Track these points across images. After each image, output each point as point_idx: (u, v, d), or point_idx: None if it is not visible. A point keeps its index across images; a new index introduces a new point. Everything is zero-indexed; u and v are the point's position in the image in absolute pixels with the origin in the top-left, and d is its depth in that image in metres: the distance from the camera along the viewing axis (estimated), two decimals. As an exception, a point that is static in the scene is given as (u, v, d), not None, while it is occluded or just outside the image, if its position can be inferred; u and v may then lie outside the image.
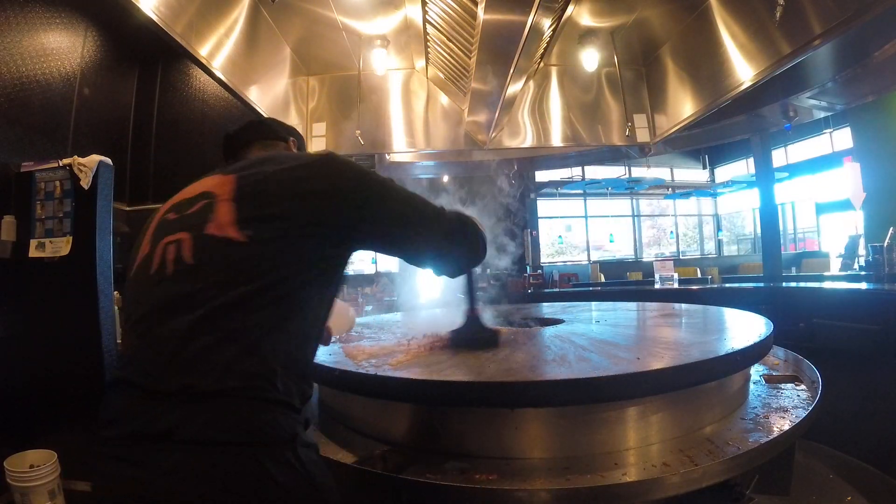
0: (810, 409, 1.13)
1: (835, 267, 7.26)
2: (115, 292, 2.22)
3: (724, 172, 11.68)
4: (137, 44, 3.42)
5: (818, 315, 2.52)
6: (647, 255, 12.02)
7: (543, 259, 10.97)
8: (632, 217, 12.45)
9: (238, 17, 2.75)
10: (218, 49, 2.58)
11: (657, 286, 4.05)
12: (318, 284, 0.84)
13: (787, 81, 3.07)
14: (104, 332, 2.12)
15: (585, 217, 11.94)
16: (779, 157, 9.34)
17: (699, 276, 7.78)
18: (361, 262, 6.58)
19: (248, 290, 0.76)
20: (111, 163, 2.27)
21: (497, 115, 3.41)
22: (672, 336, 1.43)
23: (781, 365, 1.58)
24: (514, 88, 3.11)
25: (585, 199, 11.83)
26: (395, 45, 3.63)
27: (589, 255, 11.89)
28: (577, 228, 12.16)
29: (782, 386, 1.35)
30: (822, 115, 4.10)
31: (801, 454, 1.77)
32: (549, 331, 1.52)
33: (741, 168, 10.94)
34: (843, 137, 7.98)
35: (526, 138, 4.06)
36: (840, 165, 7.23)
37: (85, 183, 2.18)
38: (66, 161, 2.19)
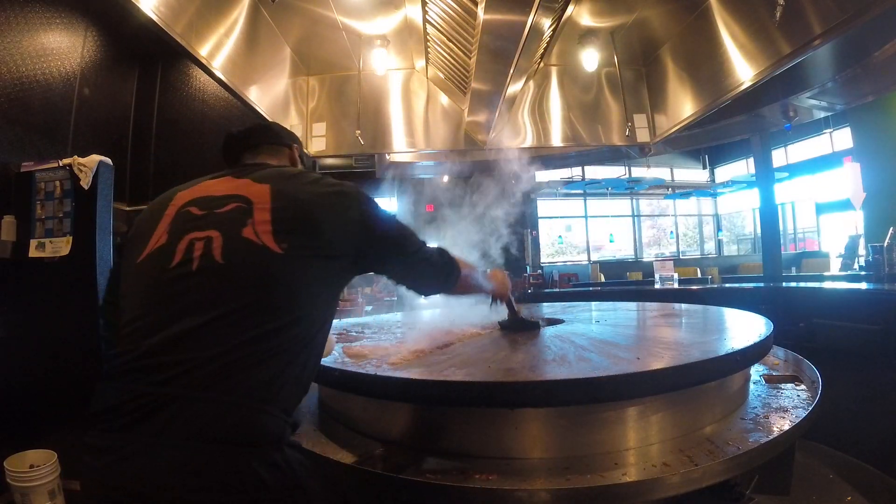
0: (810, 409, 1.13)
1: (835, 267, 7.26)
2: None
3: (724, 172, 11.68)
4: (137, 44, 3.42)
5: (818, 315, 2.51)
6: (647, 255, 12.03)
7: (543, 259, 10.98)
8: (632, 217, 12.45)
9: (238, 17, 2.75)
10: (218, 49, 2.58)
11: (657, 286, 4.04)
12: (330, 301, 0.92)
13: (787, 81, 3.07)
14: (104, 332, 2.11)
15: (585, 217, 11.94)
16: (779, 157, 9.34)
17: (699, 276, 7.79)
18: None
19: (273, 299, 0.79)
20: (111, 163, 2.27)
21: (497, 115, 3.41)
22: (672, 336, 1.43)
23: (781, 365, 1.58)
24: (514, 88, 3.12)
25: (585, 199, 11.84)
26: (395, 45, 3.63)
27: (589, 255, 11.89)
28: (577, 228, 12.16)
29: (782, 386, 1.35)
30: (822, 115, 4.10)
31: (801, 454, 1.76)
32: (549, 331, 1.52)
33: (741, 168, 10.94)
34: (843, 137, 7.98)
35: (526, 138, 4.06)
36: (840, 165, 7.23)
37: (85, 183, 2.17)
38: (66, 161, 2.19)
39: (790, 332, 2.45)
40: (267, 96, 3.25)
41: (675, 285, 4.02)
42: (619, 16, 3.34)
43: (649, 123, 4.01)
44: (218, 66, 2.57)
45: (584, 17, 3.32)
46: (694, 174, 12.08)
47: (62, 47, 2.92)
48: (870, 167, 5.92)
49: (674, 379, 0.98)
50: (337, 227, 0.90)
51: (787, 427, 1.05)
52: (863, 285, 2.98)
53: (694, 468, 0.88)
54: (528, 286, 4.77)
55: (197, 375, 0.72)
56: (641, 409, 1.01)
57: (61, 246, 2.17)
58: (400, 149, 4.15)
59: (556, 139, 4.08)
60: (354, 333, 1.69)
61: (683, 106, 3.54)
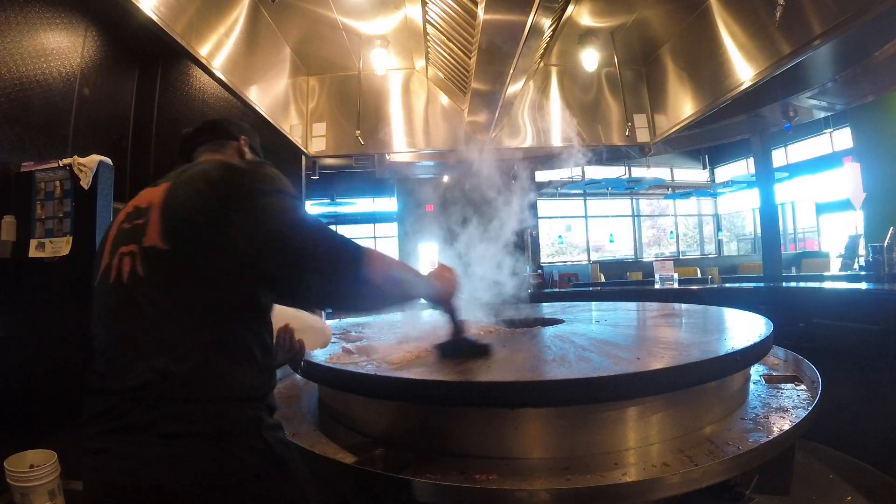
0: (810, 409, 1.13)
1: (835, 267, 7.27)
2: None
3: (724, 172, 11.68)
4: (137, 44, 3.42)
5: (818, 315, 2.51)
6: (647, 255, 12.03)
7: (543, 259, 10.98)
8: (632, 217, 12.46)
9: (238, 17, 2.75)
10: (218, 49, 2.57)
11: (657, 286, 4.04)
12: (248, 283, 0.84)
13: (787, 81, 3.06)
14: (104, 332, 2.11)
15: (585, 217, 11.95)
16: (779, 157, 9.35)
17: (699, 276, 7.78)
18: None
19: (186, 297, 0.81)
20: (111, 163, 2.27)
21: (497, 115, 3.41)
22: (672, 336, 1.43)
23: (781, 365, 1.58)
24: (514, 88, 3.11)
25: (585, 199, 11.84)
26: (395, 45, 3.63)
27: (589, 255, 11.90)
28: (577, 228, 12.17)
29: (782, 386, 1.35)
30: (822, 115, 4.09)
31: (801, 454, 1.76)
32: (549, 331, 1.52)
33: (741, 168, 10.95)
34: (843, 137, 7.98)
35: (526, 138, 4.06)
36: (840, 165, 7.23)
37: (85, 183, 2.18)
38: (66, 161, 2.19)
39: (790, 332, 2.45)
40: (267, 96, 3.25)
41: (675, 285, 4.02)
42: (619, 16, 3.34)
43: (649, 123, 4.01)
44: (218, 66, 2.57)
45: (584, 17, 3.32)
46: (694, 174, 12.08)
47: (62, 47, 2.92)
48: (870, 167, 5.92)
49: (674, 379, 0.98)
50: (209, 216, 0.82)
51: (787, 427, 1.05)
52: (863, 285, 2.98)
53: (694, 468, 0.88)
54: (527, 286, 4.76)
55: (154, 383, 0.76)
56: (641, 410, 1.01)
57: (61, 246, 2.17)
58: (400, 149, 4.15)
59: (556, 139, 4.08)
60: (354, 333, 1.69)
61: (683, 106, 3.54)
